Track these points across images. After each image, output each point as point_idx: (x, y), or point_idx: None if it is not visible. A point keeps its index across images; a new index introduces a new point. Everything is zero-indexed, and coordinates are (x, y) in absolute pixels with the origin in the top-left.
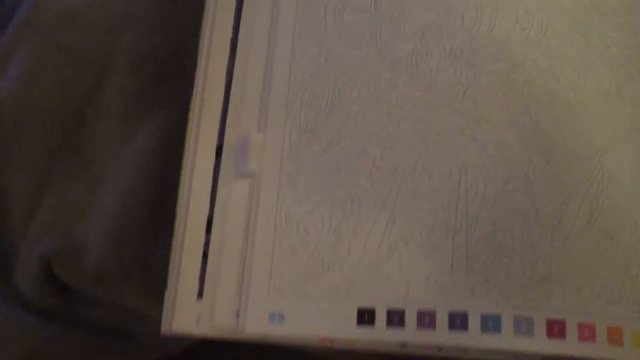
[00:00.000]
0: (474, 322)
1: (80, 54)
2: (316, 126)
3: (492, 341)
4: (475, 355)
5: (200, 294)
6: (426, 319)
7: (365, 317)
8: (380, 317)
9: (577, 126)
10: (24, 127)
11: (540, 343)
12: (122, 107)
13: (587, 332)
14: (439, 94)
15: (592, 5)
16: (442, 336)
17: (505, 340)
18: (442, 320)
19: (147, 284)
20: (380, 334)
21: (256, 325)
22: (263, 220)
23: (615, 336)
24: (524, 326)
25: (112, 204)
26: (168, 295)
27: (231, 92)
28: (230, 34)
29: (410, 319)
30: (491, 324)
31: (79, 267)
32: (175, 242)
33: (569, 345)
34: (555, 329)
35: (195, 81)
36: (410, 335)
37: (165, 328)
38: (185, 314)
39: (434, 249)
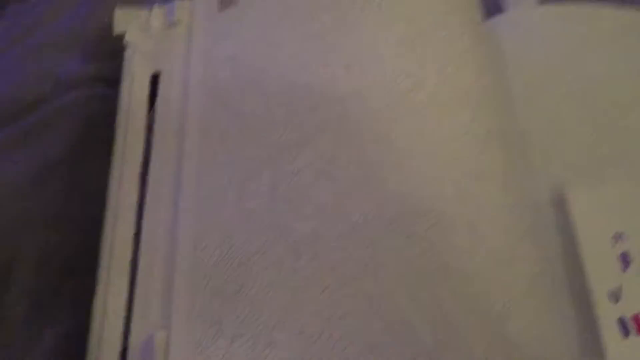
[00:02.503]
0: None
1: None
2: (221, 318)
3: None
4: None
5: None
6: None
7: None
8: None
9: (474, 295)
10: None
11: None
12: (27, 309)
13: None
14: (341, 274)
15: (476, 169)
16: None
17: None
18: None
19: None
20: None
21: None
22: None
23: None
24: None
25: None
26: None
27: (135, 289)
28: (132, 230)
29: None
30: None
31: None
32: None
33: None
34: None
35: (98, 280)
36: None
37: None
38: None
39: None
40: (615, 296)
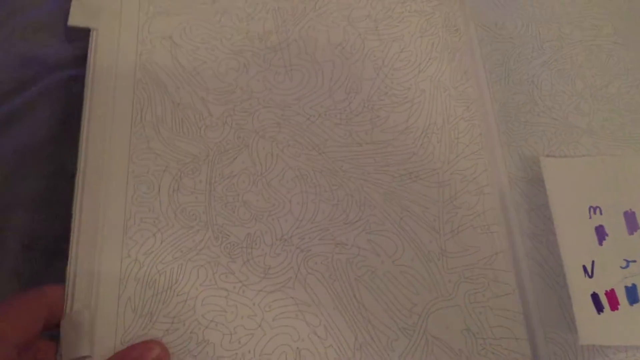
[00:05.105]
0: None
1: None
2: (153, 309)
3: None
4: None
5: None
6: None
7: None
8: None
9: (399, 296)
10: None
11: None
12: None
13: None
14: (273, 279)
15: (406, 172)
16: None
17: None
18: None
19: None
20: None
21: None
22: None
23: None
24: None
25: None
26: None
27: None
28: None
29: None
30: None
31: None
32: None
33: None
34: None
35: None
36: None
37: None
38: None
39: None
40: (590, 271)
